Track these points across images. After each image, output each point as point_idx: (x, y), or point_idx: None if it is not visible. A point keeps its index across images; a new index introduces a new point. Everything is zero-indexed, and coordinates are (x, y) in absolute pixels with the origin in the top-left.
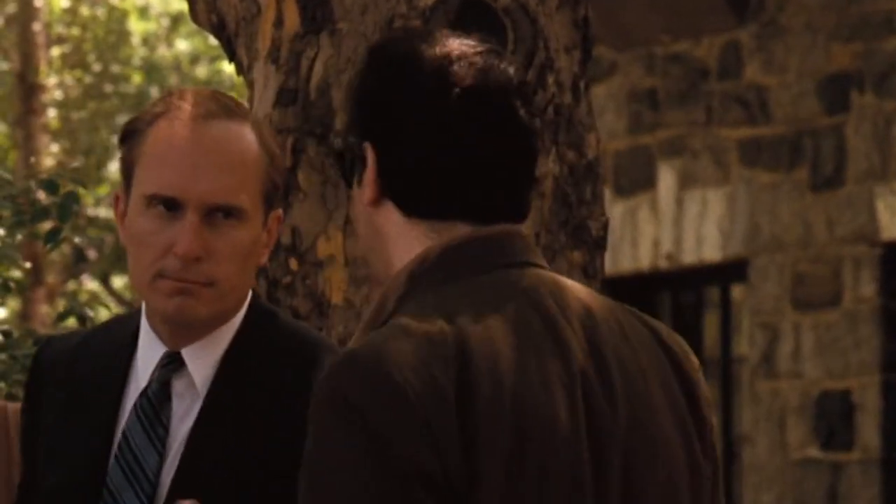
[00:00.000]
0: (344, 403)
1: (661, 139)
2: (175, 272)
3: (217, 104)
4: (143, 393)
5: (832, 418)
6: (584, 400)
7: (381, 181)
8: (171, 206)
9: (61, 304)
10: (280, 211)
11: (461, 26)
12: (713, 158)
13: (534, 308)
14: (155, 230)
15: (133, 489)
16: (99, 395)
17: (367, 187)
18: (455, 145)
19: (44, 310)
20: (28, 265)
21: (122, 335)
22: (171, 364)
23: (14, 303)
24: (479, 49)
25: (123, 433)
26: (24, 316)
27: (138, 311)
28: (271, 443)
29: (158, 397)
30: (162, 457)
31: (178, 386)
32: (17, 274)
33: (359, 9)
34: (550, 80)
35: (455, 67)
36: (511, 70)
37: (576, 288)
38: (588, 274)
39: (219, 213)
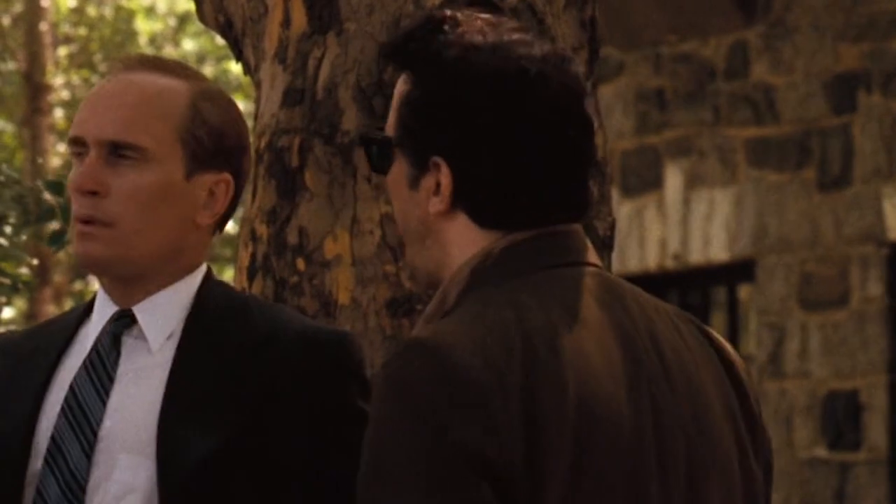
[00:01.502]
0: (405, 388)
1: (668, 139)
2: (78, 211)
3: (148, 61)
4: (94, 347)
5: (839, 418)
6: (650, 396)
7: (455, 194)
8: (79, 145)
9: (68, 304)
10: (227, 175)
11: None
12: (720, 158)
13: (598, 304)
14: (73, 174)
15: (77, 438)
16: (40, 359)
17: (437, 200)
18: (536, 158)
19: (50, 310)
20: (35, 261)
21: (76, 312)
22: (122, 320)
23: (21, 303)
24: (548, 53)
25: (71, 385)
26: (30, 316)
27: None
28: (241, 408)
29: (108, 351)
30: (105, 405)
31: (127, 341)
32: (24, 272)
33: (366, 9)
34: None
35: (534, 83)
36: (580, 72)
37: (630, 287)
38: None
39: (118, 153)
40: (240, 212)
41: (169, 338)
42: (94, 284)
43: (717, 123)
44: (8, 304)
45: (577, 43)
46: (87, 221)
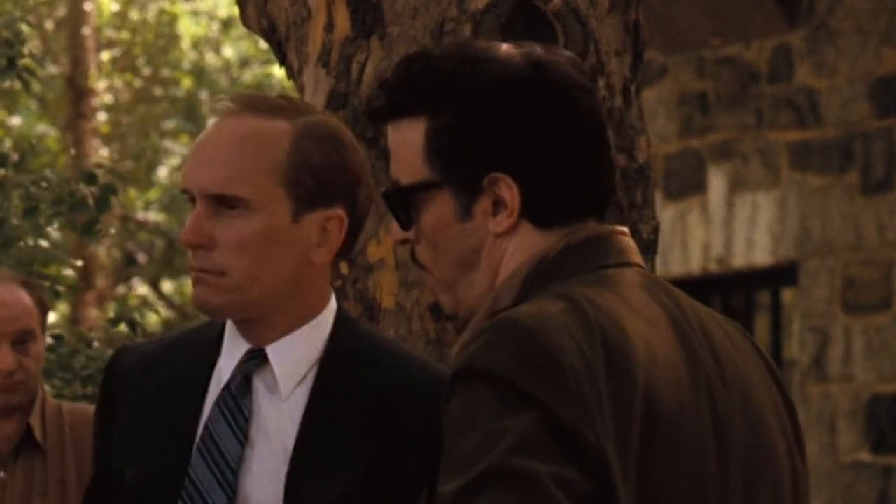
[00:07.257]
0: (494, 369)
1: (711, 143)
2: (191, 261)
3: (249, 103)
4: (226, 387)
5: (883, 422)
6: (708, 391)
7: (524, 205)
8: (191, 198)
9: (111, 308)
10: (340, 211)
11: (512, 30)
12: (763, 162)
13: (654, 301)
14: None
15: (215, 478)
16: (182, 393)
17: (503, 217)
18: (583, 155)
19: (93, 313)
20: (80, 262)
21: (207, 337)
22: (254, 360)
23: (64, 307)
24: (568, 57)
25: (206, 426)
26: (73, 320)
27: None
28: (372, 452)
29: (240, 390)
30: (243, 447)
31: (258, 381)
32: (69, 273)
33: (409, 13)
34: (601, 83)
35: (576, 94)
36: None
37: (677, 289)
38: None
39: (224, 204)
40: None
41: (299, 383)
42: (139, 289)
43: (760, 127)
44: (51, 308)
45: (621, 46)
46: (200, 270)
